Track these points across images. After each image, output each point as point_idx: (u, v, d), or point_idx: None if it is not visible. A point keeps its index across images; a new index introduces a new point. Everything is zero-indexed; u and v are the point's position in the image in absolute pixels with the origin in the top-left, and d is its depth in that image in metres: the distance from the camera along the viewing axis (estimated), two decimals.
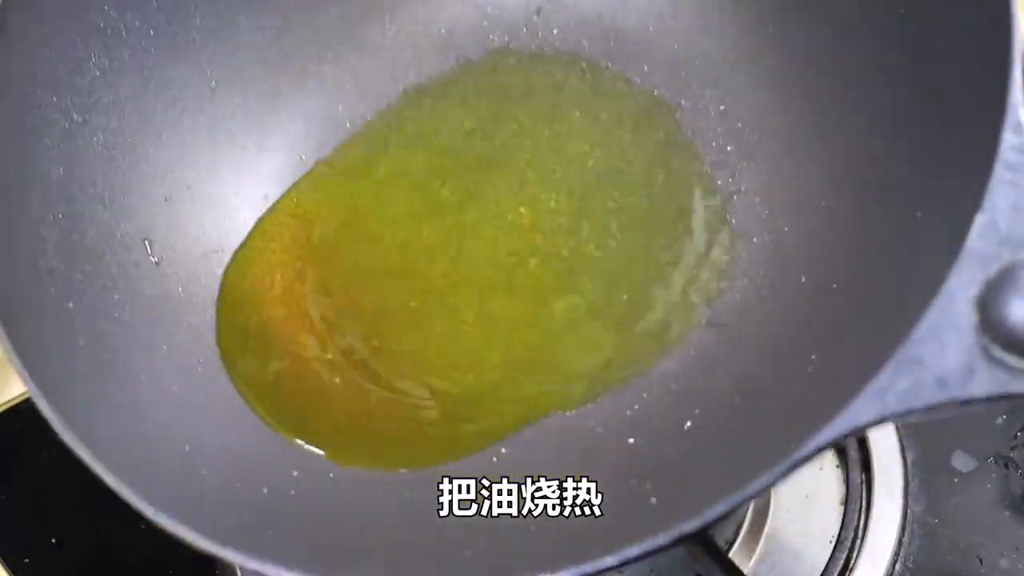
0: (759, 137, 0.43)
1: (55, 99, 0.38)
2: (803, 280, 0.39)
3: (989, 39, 0.29)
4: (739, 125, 0.44)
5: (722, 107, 0.44)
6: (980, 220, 0.26)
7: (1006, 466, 0.48)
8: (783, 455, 0.26)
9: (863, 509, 0.46)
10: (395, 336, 0.42)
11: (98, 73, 0.39)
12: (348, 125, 0.46)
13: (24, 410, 0.51)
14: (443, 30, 0.48)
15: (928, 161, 0.32)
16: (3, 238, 0.34)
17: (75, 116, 0.38)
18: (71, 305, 0.36)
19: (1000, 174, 0.26)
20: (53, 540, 0.47)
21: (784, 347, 0.37)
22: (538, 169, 0.45)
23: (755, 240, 0.42)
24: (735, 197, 0.43)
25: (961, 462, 0.48)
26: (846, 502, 0.47)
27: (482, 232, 0.44)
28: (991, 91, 0.27)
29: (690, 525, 0.26)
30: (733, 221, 0.42)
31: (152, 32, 0.41)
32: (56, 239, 0.37)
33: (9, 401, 0.52)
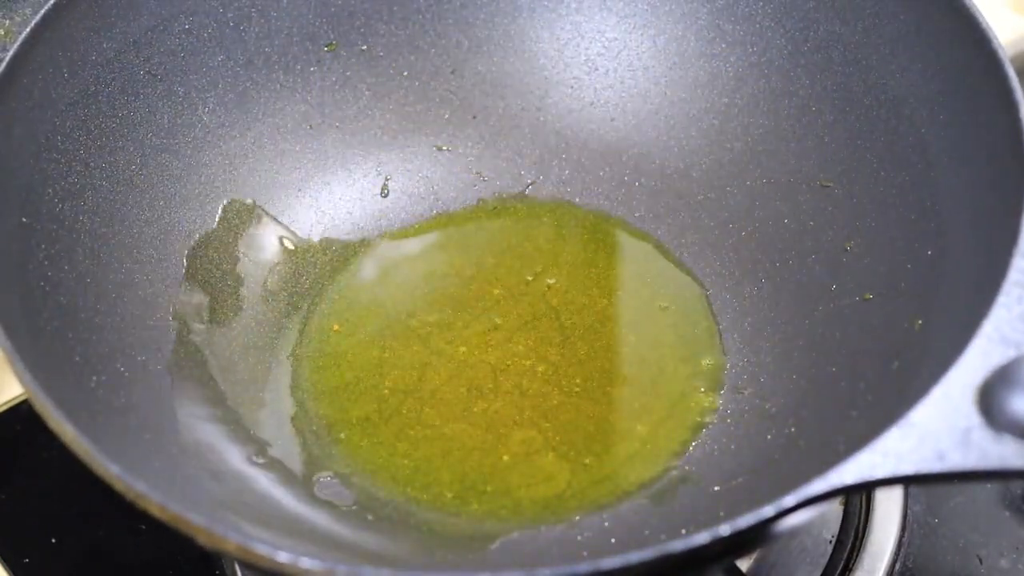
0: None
1: None
2: (782, 434, 0.40)
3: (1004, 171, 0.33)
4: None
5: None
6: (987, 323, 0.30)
7: None
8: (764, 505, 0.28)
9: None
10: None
11: None
12: None
13: (24, 410, 0.51)
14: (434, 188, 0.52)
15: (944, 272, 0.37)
16: None
17: None
18: None
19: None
20: (53, 540, 0.47)
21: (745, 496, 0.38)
22: (507, 316, 0.47)
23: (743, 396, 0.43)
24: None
25: None
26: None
27: (444, 363, 0.46)
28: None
29: None
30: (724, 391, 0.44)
31: None
32: None
33: (9, 401, 0.52)
